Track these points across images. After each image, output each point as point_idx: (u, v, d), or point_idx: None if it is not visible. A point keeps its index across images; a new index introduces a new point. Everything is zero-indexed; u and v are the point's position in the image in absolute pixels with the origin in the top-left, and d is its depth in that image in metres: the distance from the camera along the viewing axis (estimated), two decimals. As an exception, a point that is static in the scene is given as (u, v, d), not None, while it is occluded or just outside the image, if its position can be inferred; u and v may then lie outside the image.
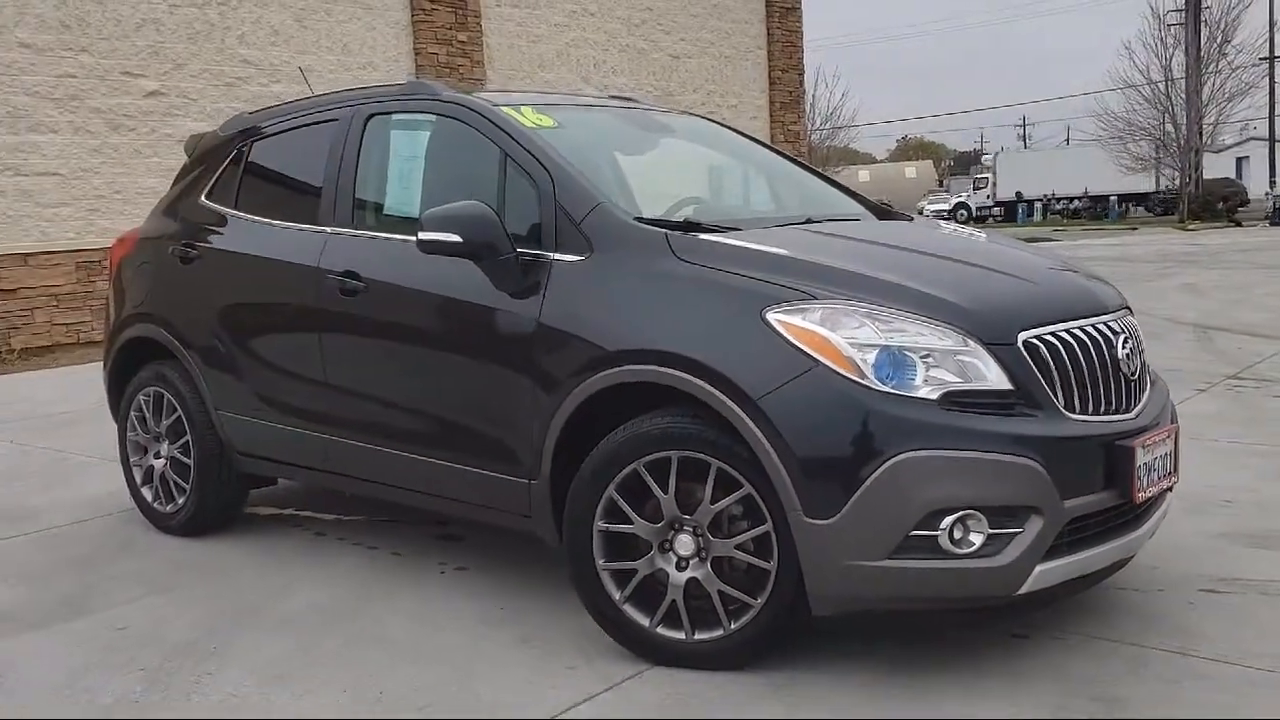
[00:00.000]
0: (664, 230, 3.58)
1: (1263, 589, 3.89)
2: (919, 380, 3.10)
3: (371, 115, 4.46)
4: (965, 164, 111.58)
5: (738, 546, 3.28)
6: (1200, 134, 38.65)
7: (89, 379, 10.56)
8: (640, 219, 3.67)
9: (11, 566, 4.74)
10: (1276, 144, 47.72)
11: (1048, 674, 3.28)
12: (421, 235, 3.74)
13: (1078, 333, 3.34)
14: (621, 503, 3.39)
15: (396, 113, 4.42)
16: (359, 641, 3.75)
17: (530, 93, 4.55)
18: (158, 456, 5.14)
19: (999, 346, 3.17)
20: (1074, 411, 3.23)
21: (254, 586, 4.36)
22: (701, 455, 3.27)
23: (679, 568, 3.35)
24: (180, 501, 5.02)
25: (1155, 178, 42.96)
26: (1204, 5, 39.48)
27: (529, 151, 3.86)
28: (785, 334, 3.16)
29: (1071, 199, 49.62)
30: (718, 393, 3.19)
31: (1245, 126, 57.44)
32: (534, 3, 18.19)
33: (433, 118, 4.29)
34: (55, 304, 13.00)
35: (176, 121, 13.86)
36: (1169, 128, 38.39)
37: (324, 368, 4.34)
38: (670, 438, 3.31)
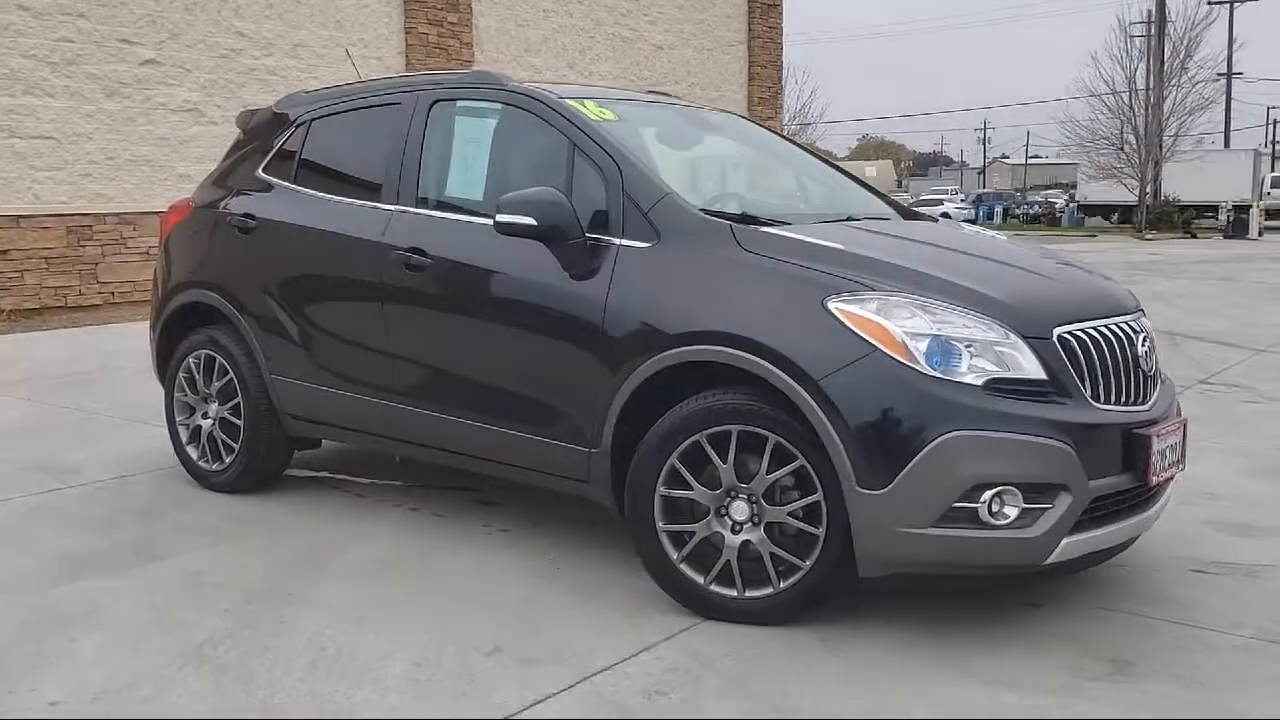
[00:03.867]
0: (728, 222, 3.90)
1: (1248, 571, 4.28)
2: (964, 368, 3.45)
3: (436, 101, 4.73)
4: (924, 165, 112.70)
5: (789, 513, 3.61)
6: (1160, 145, 39.44)
7: (86, 341, 10.76)
8: (705, 210, 3.99)
9: (73, 517, 4.98)
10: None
11: (1062, 638, 3.65)
12: (499, 217, 4.04)
13: (1104, 330, 3.70)
14: (683, 471, 3.72)
15: (462, 100, 4.70)
16: (425, 591, 4.05)
17: (574, 84, 4.86)
18: (206, 417, 5.39)
19: (1036, 340, 3.52)
20: (1099, 401, 3.59)
21: (311, 540, 4.64)
22: (760, 430, 3.60)
23: (734, 531, 3.68)
24: (227, 460, 5.27)
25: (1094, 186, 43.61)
26: (1167, 20, 40.34)
27: (598, 144, 4.17)
28: (845, 321, 3.49)
29: (1032, 204, 50.58)
30: (780, 373, 3.52)
31: (1200, 140, 58.77)
32: (524, -12, 18.40)
33: (498, 107, 4.58)
34: (45, 266, 13.09)
35: (171, 90, 13.98)
36: (1130, 138, 39.17)
37: (387, 337, 4.62)
38: (732, 413, 3.64)
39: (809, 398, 3.47)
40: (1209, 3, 50.02)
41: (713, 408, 3.67)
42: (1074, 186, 51.45)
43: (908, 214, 4.87)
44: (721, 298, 3.73)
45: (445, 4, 16.98)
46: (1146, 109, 38.70)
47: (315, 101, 5.30)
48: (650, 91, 5.63)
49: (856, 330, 3.48)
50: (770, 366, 3.54)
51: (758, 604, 3.67)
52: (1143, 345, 3.83)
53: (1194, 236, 36.77)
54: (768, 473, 3.61)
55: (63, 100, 13.12)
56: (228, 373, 5.26)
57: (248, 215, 5.21)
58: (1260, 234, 35.39)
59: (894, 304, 3.52)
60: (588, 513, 4.53)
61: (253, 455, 5.20)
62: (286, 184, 5.19)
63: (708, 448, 3.68)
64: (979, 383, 3.44)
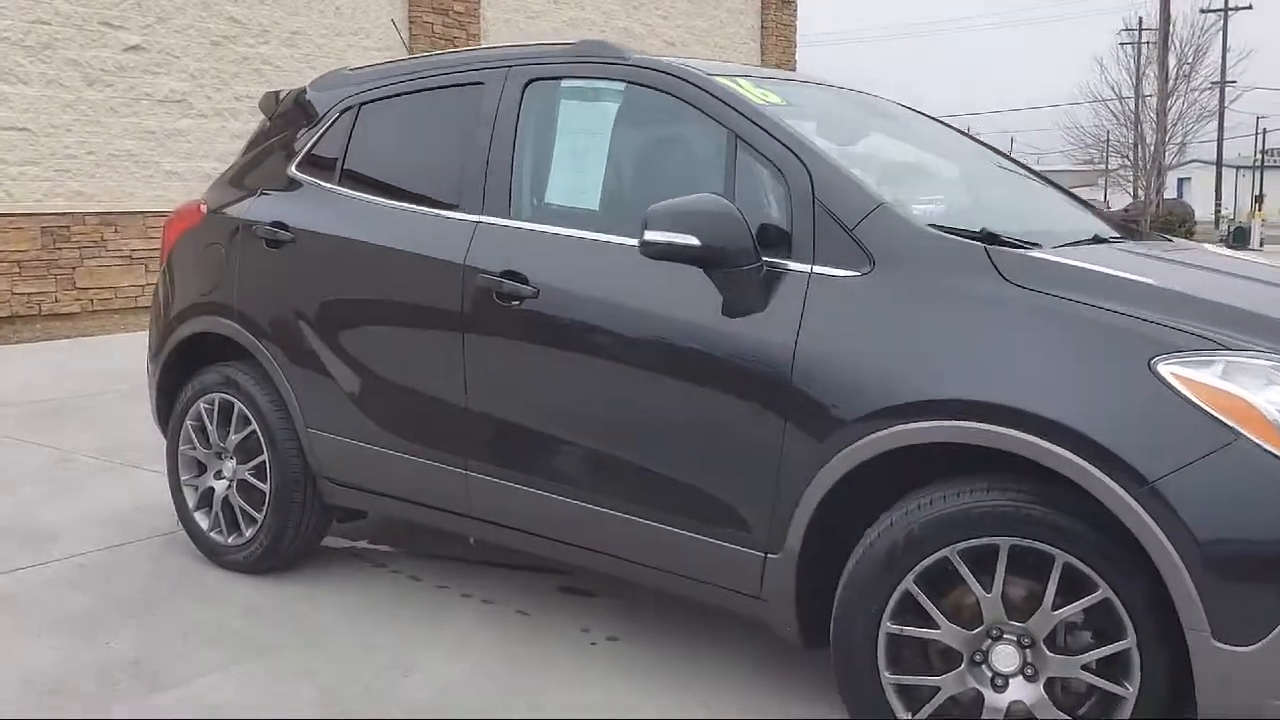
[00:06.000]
0: (979, 243, 2.81)
1: None
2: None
3: (532, 81, 3.63)
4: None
5: (1083, 666, 2.53)
6: (1164, 153, 38.71)
7: (62, 358, 9.57)
8: (936, 227, 2.90)
9: (47, 612, 3.84)
10: (1224, 168, 48.19)
11: None
12: (649, 234, 2.94)
13: None
14: (923, 598, 2.63)
15: (568, 78, 3.60)
16: (539, 747, 2.95)
17: (713, 61, 3.72)
18: (220, 477, 4.27)
19: None
20: None
21: (365, 655, 3.52)
22: (1044, 545, 2.51)
23: (997, 687, 2.59)
24: (248, 534, 4.15)
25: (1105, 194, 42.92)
26: (1171, 30, 39.60)
27: (773, 135, 3.08)
28: (1186, 392, 2.41)
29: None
30: (1091, 467, 2.43)
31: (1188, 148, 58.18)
32: (533, -23, 17.31)
33: (620, 87, 3.47)
34: (17, 271, 11.84)
35: (157, 80, 12.78)
36: (1137, 145, 38.44)
37: (466, 388, 3.51)
38: (1001, 519, 2.55)
39: (1136, 505, 2.38)
40: (1203, 10, 49.49)
41: (972, 511, 2.58)
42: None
43: (1127, 230, 3.79)
44: (983, 352, 2.64)
45: (451, -8, 15.85)
46: (1155, 116, 37.91)
47: (365, 81, 4.17)
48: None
49: (1205, 406, 2.39)
50: (1073, 458, 2.45)
51: (1033, 796, 2.58)
52: None
53: (1200, 246, 35.94)
54: (1055, 607, 2.53)
55: (38, 88, 11.90)
56: (249, 423, 4.14)
57: (279, 225, 4.08)
58: (1261, 244, 34.74)
59: (1254, 368, 2.44)
60: (725, 617, 3.45)
61: (281, 529, 4.08)
62: (328, 185, 4.07)
63: (961, 567, 2.59)
64: None
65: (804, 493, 2.81)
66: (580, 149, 3.53)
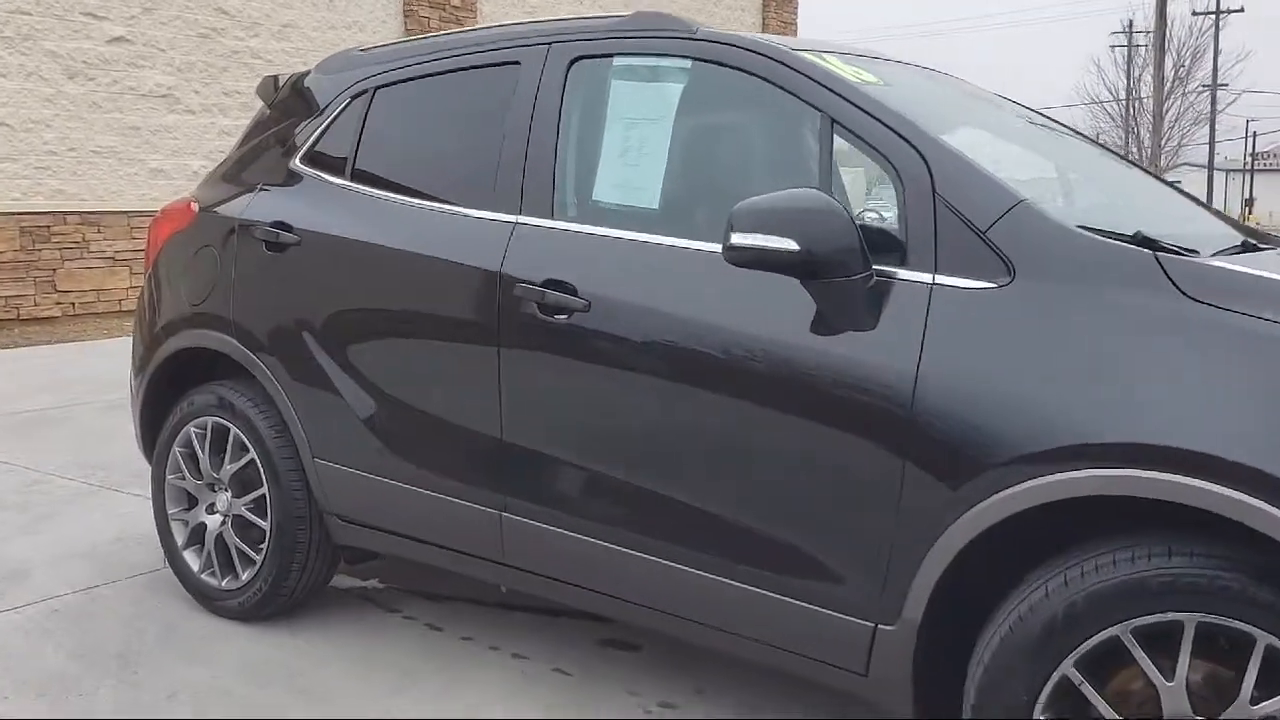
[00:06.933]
0: (1148, 250, 2.31)
1: None
2: None
3: (578, 59, 3.13)
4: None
5: (1288, 773, 2.04)
6: (1160, 156, 38.48)
7: (40, 364, 9.03)
8: (1089, 229, 2.40)
9: (14, 670, 3.33)
10: (1214, 171, 47.94)
11: None
12: (736, 238, 2.44)
13: None
14: (1088, 688, 2.14)
15: (621, 56, 3.09)
16: None
17: (786, 35, 3.21)
18: (212, 511, 3.77)
19: None
20: None
21: (386, 726, 3.02)
22: (1242, 624, 2.02)
23: (1177, 794, 2.10)
24: (244, 577, 3.65)
25: None
26: (1167, 33, 39.37)
27: (880, 119, 2.58)
28: None
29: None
30: (1311, 533, 1.95)
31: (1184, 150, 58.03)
32: (531, -29, 16.81)
33: (684, 65, 2.97)
34: (-6, 273, 11.33)
35: (142, 73, 12.26)
36: (1133, 148, 38.19)
37: (502, 415, 3.01)
38: (1188, 591, 2.06)
39: None
40: (1195, 13, 49.32)
41: (1151, 580, 2.09)
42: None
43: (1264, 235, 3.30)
44: (1162, 384, 2.15)
45: (448, -15, 15.34)
46: (1152, 118, 37.65)
47: (380, 63, 3.66)
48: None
49: None
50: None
51: None
52: None
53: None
54: (1253, 700, 2.04)
55: (17, 81, 11.36)
56: (247, 451, 3.63)
57: (281, 225, 3.57)
58: None
59: None
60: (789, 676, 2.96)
61: (282, 573, 3.57)
62: (338, 181, 3.57)
63: (1136, 649, 2.10)
64: None
65: (928, 552, 2.32)
66: (635, 138, 3.02)
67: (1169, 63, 38.92)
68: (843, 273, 2.41)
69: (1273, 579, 2.02)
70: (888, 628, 2.41)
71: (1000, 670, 2.21)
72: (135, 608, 3.81)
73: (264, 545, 3.60)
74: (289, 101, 3.91)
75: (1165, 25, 39.47)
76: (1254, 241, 2.91)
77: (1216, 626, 2.05)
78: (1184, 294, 2.20)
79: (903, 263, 2.47)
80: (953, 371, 2.32)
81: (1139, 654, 2.10)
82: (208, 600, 3.75)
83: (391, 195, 3.40)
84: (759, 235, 2.41)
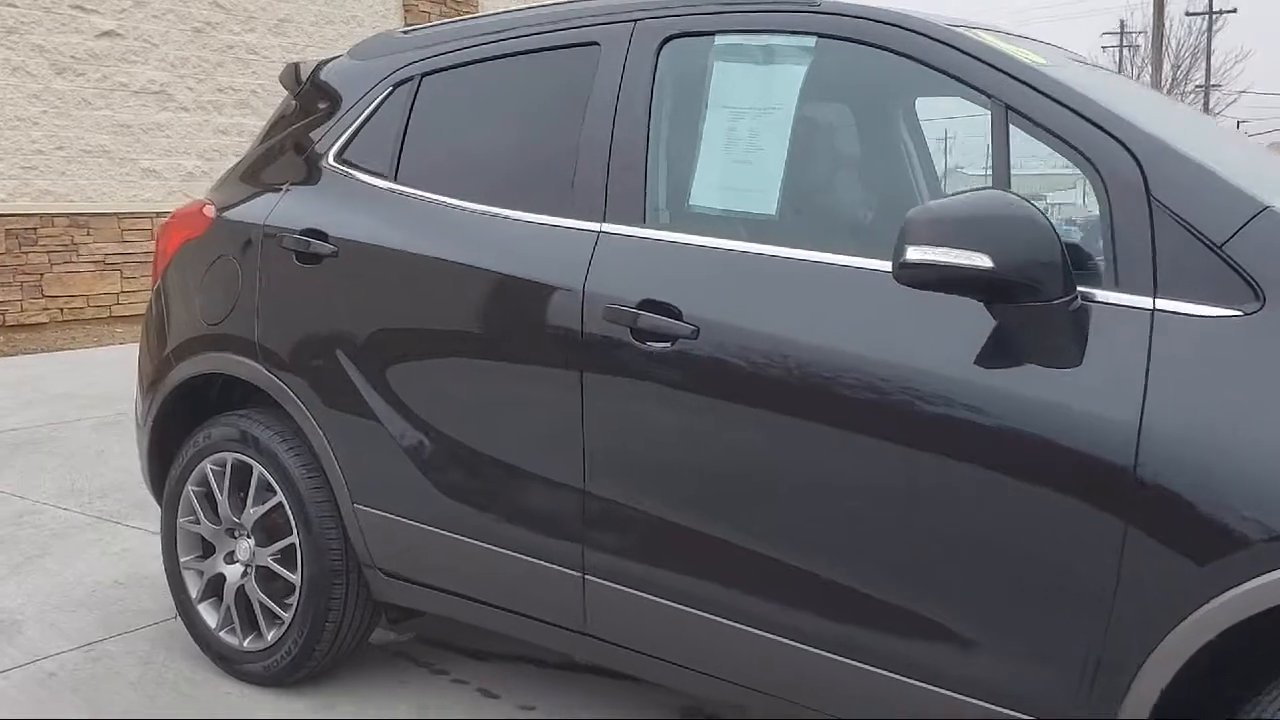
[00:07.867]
0: None
1: None
2: None
3: (671, 37, 2.66)
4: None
5: None
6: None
7: (26, 376, 8.51)
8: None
9: (6, 756, 2.85)
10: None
11: None
12: (913, 253, 1.97)
13: None
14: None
15: (724, 34, 2.62)
16: None
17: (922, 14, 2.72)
18: (233, 561, 3.28)
19: None
20: None
21: (448, 830, 2.55)
22: None
23: None
24: (270, 637, 3.17)
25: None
26: (1165, 34, 39.09)
27: (1072, 108, 2.12)
28: None
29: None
30: None
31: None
32: (534, -35, 16.34)
33: (809, 43, 2.50)
34: (-22, 278, 10.79)
35: (133, 68, 11.74)
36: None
37: (587, 461, 2.54)
38: None
39: None
40: (1188, 13, 49.09)
41: None
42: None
43: None
44: None
45: (448, -20, 14.86)
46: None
47: (425, 47, 3.18)
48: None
49: None
50: None
51: None
52: None
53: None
54: None
55: (2, 76, 10.83)
56: (273, 493, 3.15)
57: (314, 233, 3.09)
58: None
59: None
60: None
61: (314, 633, 3.09)
62: (380, 182, 3.09)
63: None
64: None
65: (1157, 646, 1.85)
66: (744, 131, 2.55)
67: (1166, 64, 38.66)
68: (1041, 295, 1.95)
69: None
70: (1094, 737, 1.95)
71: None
72: (144, 669, 3.33)
73: (293, 602, 3.12)
74: (318, 90, 3.42)
75: (1164, 26, 39.20)
76: None
77: None
78: None
79: (1104, 283, 2.01)
80: (1188, 420, 1.86)
81: None
82: (227, 663, 3.27)
83: (445, 199, 2.92)
84: (943, 250, 1.94)
